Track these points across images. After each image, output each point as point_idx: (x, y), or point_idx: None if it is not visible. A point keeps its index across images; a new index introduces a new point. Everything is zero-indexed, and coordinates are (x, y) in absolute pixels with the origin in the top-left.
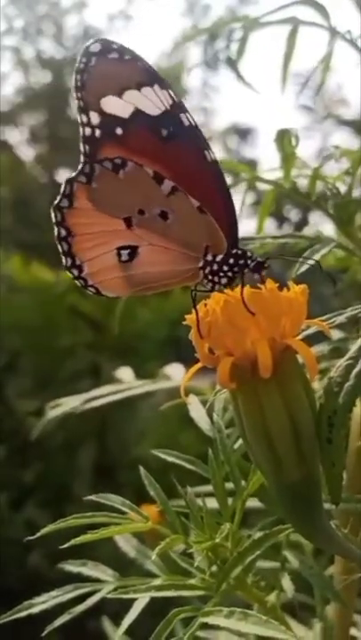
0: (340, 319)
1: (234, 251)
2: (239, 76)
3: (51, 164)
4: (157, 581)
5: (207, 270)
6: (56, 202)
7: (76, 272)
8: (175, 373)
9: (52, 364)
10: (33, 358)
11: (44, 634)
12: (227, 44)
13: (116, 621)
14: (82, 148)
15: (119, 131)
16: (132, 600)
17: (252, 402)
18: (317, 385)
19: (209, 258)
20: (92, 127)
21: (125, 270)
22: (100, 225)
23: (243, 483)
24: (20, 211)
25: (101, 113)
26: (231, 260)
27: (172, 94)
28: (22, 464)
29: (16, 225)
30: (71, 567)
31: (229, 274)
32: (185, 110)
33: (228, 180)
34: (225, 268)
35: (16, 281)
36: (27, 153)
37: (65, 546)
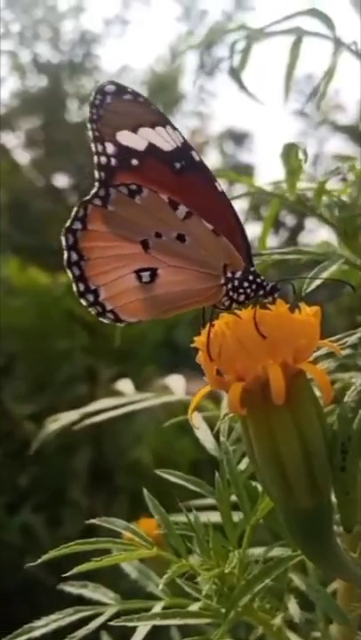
0: (352, 340)
1: (252, 268)
2: (242, 87)
3: (47, 168)
4: (161, 604)
5: (229, 286)
6: (67, 224)
7: (91, 297)
8: (176, 386)
9: (49, 367)
10: (29, 362)
11: None
12: (229, 54)
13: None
14: (96, 174)
15: (135, 162)
16: None
17: (263, 428)
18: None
19: (229, 275)
20: (108, 156)
21: (148, 292)
22: (116, 248)
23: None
24: (17, 214)
25: (117, 144)
26: (250, 277)
27: (182, 135)
28: (18, 468)
29: (12, 229)
30: (71, 589)
31: (248, 290)
32: (193, 148)
33: (226, 187)
34: (245, 284)
35: (13, 284)
36: (23, 157)
37: (69, 573)
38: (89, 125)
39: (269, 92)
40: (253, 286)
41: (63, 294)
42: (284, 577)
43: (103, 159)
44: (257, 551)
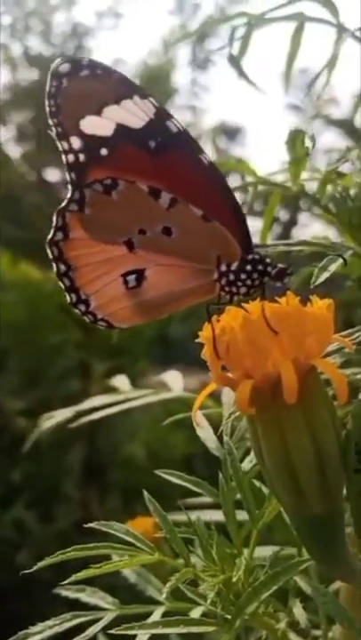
0: None
1: (250, 256)
2: (242, 75)
3: (38, 161)
4: (161, 609)
5: (223, 282)
6: (50, 236)
7: (83, 307)
8: (173, 382)
9: (41, 362)
10: (22, 357)
11: None
12: (229, 41)
13: None
14: (67, 176)
15: (104, 151)
16: None
17: (273, 429)
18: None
19: (223, 268)
20: (75, 152)
21: (135, 297)
22: (102, 252)
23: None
24: (8, 209)
25: (82, 136)
26: (248, 267)
27: (154, 102)
28: (11, 463)
29: (4, 223)
30: (68, 593)
31: (248, 282)
32: (170, 117)
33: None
34: (243, 276)
35: (4, 279)
36: (14, 151)
37: (67, 582)
38: (50, 121)
39: (263, 84)
40: (255, 275)
41: (55, 288)
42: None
43: (71, 157)
44: (263, 551)
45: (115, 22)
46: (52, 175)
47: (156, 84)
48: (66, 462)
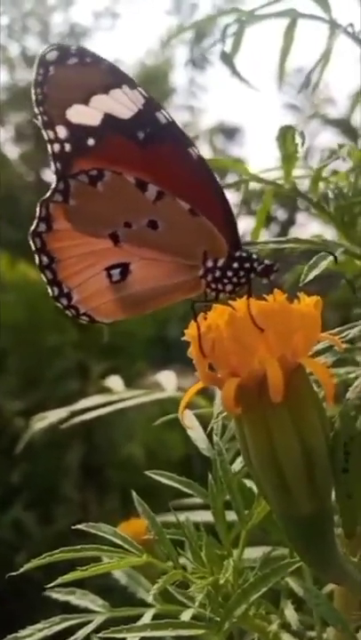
0: (354, 332)
1: (237, 253)
2: (235, 72)
3: (36, 162)
4: (151, 612)
5: (209, 278)
6: (33, 227)
7: (65, 301)
8: (167, 382)
9: (39, 363)
10: (19, 357)
11: None
12: (221, 38)
13: None
14: (53, 166)
15: (91, 141)
16: None
17: (260, 428)
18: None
19: (209, 264)
20: (61, 142)
21: (118, 291)
22: (86, 245)
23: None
24: (6, 209)
25: (68, 125)
26: (235, 264)
27: (144, 92)
28: (10, 464)
29: (2, 223)
30: (58, 595)
31: (234, 279)
32: (160, 108)
33: (223, 178)
34: (229, 273)
35: (3, 280)
36: (12, 151)
37: (54, 584)
38: (36, 110)
39: (261, 84)
40: (241, 273)
41: None
42: (281, 581)
43: (56, 147)
44: (252, 553)
45: (112, 23)
46: (51, 175)
47: (153, 84)
48: (64, 463)
